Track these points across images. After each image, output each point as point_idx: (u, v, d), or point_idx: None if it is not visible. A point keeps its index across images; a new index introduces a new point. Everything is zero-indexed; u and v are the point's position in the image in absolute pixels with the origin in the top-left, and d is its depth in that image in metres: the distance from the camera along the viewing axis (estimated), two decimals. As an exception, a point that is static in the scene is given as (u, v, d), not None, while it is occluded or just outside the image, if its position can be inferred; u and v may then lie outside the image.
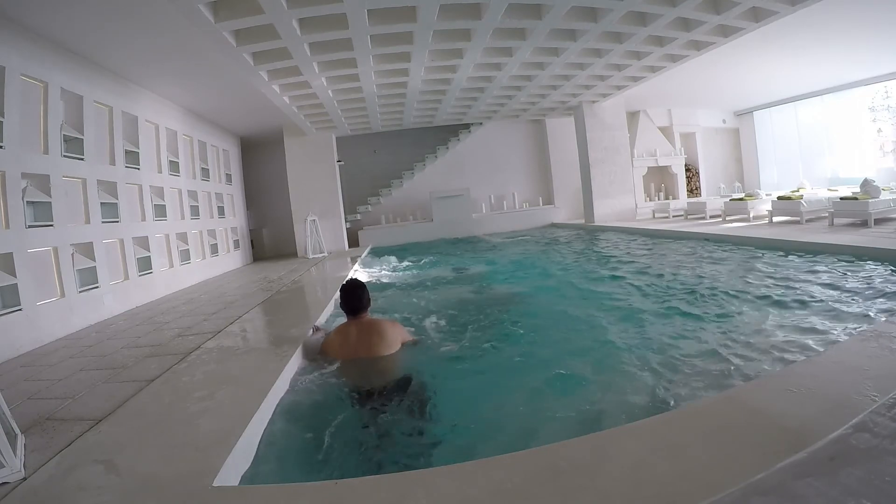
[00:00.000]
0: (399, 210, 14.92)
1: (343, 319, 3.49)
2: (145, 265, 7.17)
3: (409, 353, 3.25)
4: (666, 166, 14.68)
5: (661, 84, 11.11)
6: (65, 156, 5.58)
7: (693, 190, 15.53)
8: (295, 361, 3.25)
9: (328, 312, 4.95)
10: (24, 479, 1.91)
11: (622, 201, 13.18)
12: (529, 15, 6.55)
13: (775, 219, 8.87)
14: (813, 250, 5.89)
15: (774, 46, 9.29)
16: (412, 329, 3.82)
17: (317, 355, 3.38)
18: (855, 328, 3.14)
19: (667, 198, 14.64)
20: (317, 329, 3.78)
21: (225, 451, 1.96)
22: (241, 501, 1.67)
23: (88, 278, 5.76)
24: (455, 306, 4.96)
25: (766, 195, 10.87)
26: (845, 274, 4.65)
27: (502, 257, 9.13)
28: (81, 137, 5.89)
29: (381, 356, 3.06)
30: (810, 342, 3.01)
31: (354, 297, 3.30)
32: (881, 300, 3.69)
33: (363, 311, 3.35)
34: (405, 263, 9.45)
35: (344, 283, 3.47)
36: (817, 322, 3.38)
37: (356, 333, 3.19)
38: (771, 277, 4.91)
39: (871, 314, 3.40)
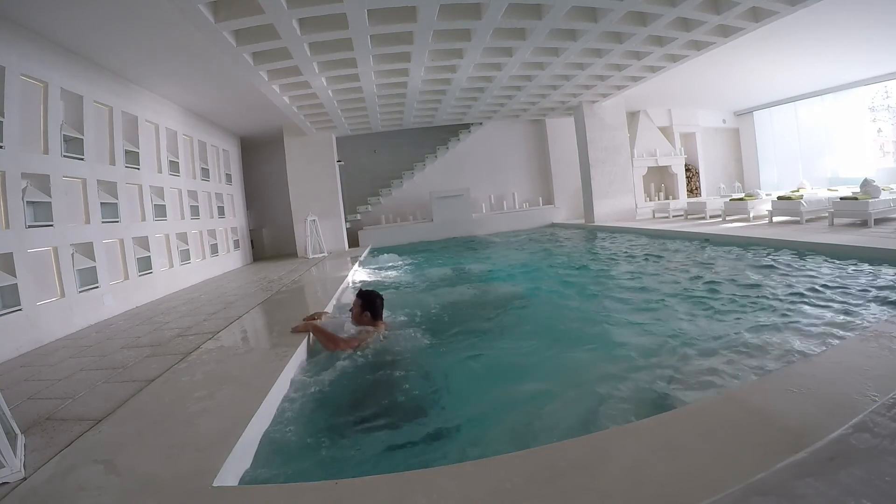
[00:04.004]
0: (399, 210, 14.92)
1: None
2: (145, 265, 7.17)
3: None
4: (666, 166, 14.69)
5: (661, 84, 11.11)
6: (65, 156, 5.58)
7: (693, 190, 15.54)
8: (295, 361, 3.25)
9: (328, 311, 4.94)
10: (24, 479, 1.91)
11: (622, 201, 13.17)
12: (529, 15, 6.55)
13: (775, 219, 8.87)
14: (813, 250, 5.89)
15: (774, 46, 9.29)
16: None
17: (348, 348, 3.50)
18: (855, 328, 3.14)
19: (667, 198, 14.66)
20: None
21: (225, 451, 1.96)
22: (241, 501, 1.67)
23: (88, 278, 5.76)
24: (454, 305, 4.97)
25: (766, 195, 10.88)
26: (845, 274, 4.65)
27: (502, 257, 9.13)
28: (81, 137, 5.89)
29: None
30: (810, 342, 3.01)
31: (382, 304, 3.93)
32: (881, 300, 3.69)
33: None
34: (405, 263, 9.46)
35: (369, 292, 3.99)
36: (817, 322, 3.38)
37: (384, 326, 3.89)
38: (769, 277, 4.91)
39: (871, 314, 3.40)
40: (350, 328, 3.77)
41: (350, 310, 4.00)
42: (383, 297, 3.99)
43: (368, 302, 3.86)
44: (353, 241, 13.84)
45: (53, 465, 2.01)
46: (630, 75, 10.06)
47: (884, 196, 7.43)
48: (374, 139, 14.78)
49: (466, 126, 15.01)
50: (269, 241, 14.43)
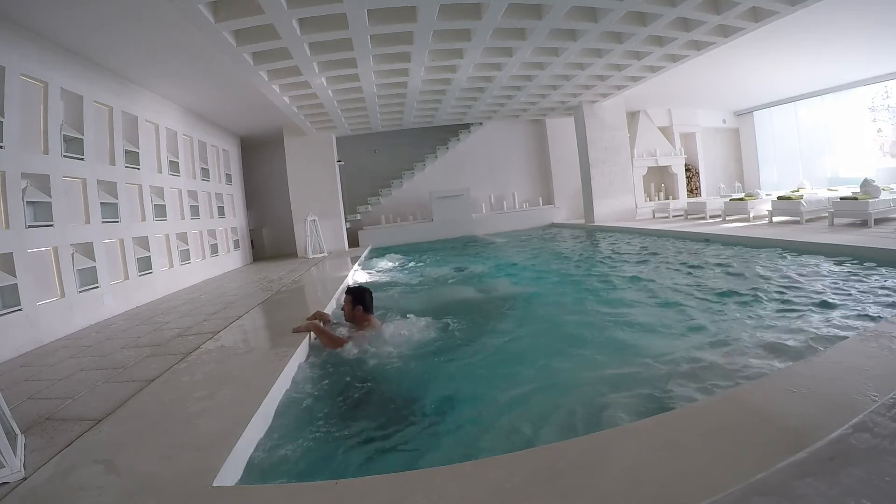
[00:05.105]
0: (399, 210, 14.92)
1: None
2: (145, 265, 7.17)
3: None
4: (666, 166, 14.69)
5: (661, 84, 11.11)
6: (65, 156, 5.58)
7: (693, 190, 15.53)
8: (295, 361, 3.25)
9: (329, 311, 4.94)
10: (24, 479, 1.91)
11: (622, 201, 13.17)
12: (529, 15, 6.55)
13: (775, 219, 8.86)
14: (813, 250, 5.89)
15: (774, 46, 9.29)
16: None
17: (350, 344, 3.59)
18: (855, 328, 3.13)
19: (667, 198, 14.65)
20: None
21: (225, 451, 1.96)
22: (241, 501, 1.67)
23: (88, 278, 5.76)
24: (452, 304, 4.97)
25: (766, 195, 10.87)
26: (845, 274, 4.65)
27: (502, 257, 9.13)
28: (81, 137, 5.89)
29: None
30: (809, 342, 3.01)
31: (371, 297, 4.02)
32: (881, 300, 3.69)
33: None
34: (405, 263, 9.46)
35: (357, 287, 4.10)
36: (816, 322, 3.38)
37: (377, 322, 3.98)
38: (770, 277, 4.90)
39: (871, 314, 3.40)
40: (346, 330, 3.81)
41: (342, 308, 4.05)
42: (371, 291, 4.07)
43: (357, 296, 3.95)
44: (353, 241, 13.84)
45: (53, 465, 2.01)
46: (630, 75, 10.05)
47: (884, 196, 7.42)
48: (374, 139, 14.78)
49: (466, 126, 15.01)
50: (269, 241, 14.43)
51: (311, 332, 3.80)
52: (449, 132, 15.11)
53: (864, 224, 7.00)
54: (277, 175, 13.38)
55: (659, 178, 15.17)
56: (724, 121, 16.47)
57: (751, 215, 9.74)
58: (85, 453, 2.11)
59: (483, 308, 5.04)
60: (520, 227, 14.53)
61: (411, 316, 4.17)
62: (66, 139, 5.66)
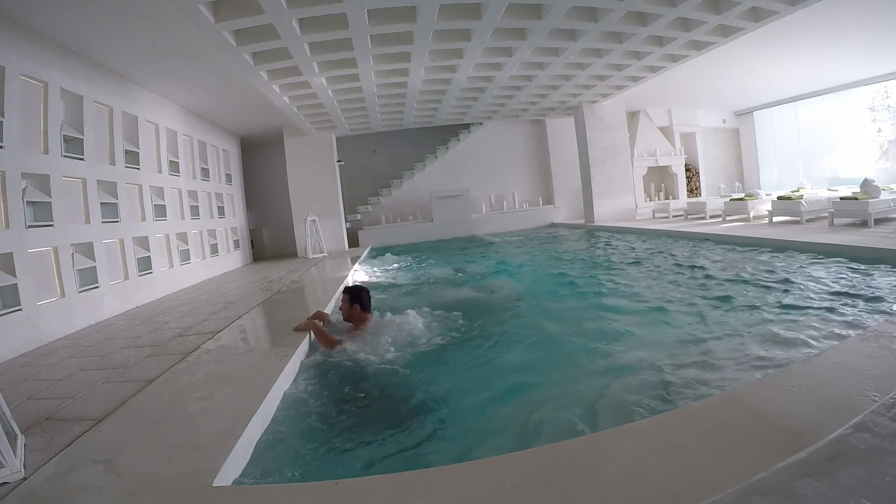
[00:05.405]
0: (399, 210, 14.92)
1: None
2: (145, 265, 7.17)
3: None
4: (666, 166, 14.69)
5: (661, 84, 11.11)
6: (65, 156, 5.58)
7: (693, 190, 15.54)
8: (295, 361, 3.25)
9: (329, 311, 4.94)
10: (24, 479, 1.91)
11: (622, 201, 13.18)
12: (529, 15, 6.55)
13: (775, 219, 8.86)
14: (813, 250, 5.89)
15: (774, 46, 9.29)
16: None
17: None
18: (854, 328, 3.13)
19: (667, 198, 14.66)
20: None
21: (225, 451, 1.96)
22: (241, 501, 1.67)
23: (88, 278, 5.76)
24: (450, 303, 4.96)
25: (766, 195, 10.88)
26: (845, 274, 4.65)
27: (502, 257, 9.13)
28: (81, 137, 5.89)
29: None
30: (809, 342, 3.01)
31: (368, 296, 4.05)
32: (881, 300, 3.69)
33: None
34: (404, 263, 9.46)
35: (354, 286, 4.12)
36: (816, 322, 3.37)
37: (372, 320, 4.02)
38: (769, 277, 4.90)
39: (871, 314, 3.40)
40: (345, 330, 3.83)
41: (339, 308, 4.07)
42: (369, 290, 4.10)
43: (355, 295, 3.98)
44: (353, 241, 13.84)
45: (53, 465, 2.01)
46: (630, 75, 10.05)
47: (884, 196, 7.42)
48: (374, 139, 14.78)
49: (466, 126, 15.01)
50: (269, 241, 14.43)
51: (311, 332, 3.80)
52: (449, 132, 15.11)
53: (864, 224, 7.00)
54: (277, 175, 13.38)
55: (659, 178, 15.18)
56: (724, 121, 16.47)
57: (751, 215, 9.74)
58: (85, 453, 2.11)
59: (482, 308, 5.04)
60: (520, 227, 14.53)
61: (409, 315, 4.16)
62: (66, 139, 5.66)
